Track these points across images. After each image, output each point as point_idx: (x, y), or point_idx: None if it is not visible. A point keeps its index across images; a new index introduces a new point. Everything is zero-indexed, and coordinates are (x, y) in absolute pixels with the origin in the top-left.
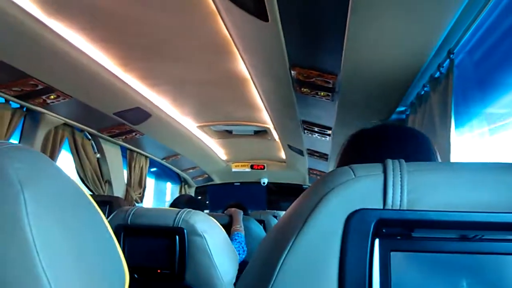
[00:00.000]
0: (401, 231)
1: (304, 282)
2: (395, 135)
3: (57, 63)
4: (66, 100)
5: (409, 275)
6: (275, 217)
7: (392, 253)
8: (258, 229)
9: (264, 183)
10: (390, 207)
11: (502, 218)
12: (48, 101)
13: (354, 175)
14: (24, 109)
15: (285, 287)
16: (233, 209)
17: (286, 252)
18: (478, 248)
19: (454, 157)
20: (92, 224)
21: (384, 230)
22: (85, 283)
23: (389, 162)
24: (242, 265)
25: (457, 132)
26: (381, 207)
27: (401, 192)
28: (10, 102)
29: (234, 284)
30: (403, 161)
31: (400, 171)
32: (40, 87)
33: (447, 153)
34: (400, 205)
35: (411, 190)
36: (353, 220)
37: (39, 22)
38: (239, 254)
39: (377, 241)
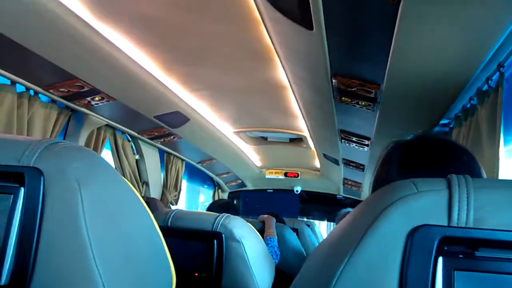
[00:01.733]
0: (464, 249)
1: None
2: (438, 148)
3: (103, 66)
4: (109, 102)
5: None
6: (308, 226)
7: (455, 272)
8: (292, 237)
9: (297, 191)
10: (455, 224)
11: None
12: (93, 102)
13: (417, 189)
14: (70, 109)
15: None
16: (265, 215)
17: (341, 269)
18: None
19: (502, 176)
20: (144, 227)
21: (446, 248)
22: (135, 284)
23: (454, 177)
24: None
25: (506, 149)
26: (445, 224)
27: (468, 209)
28: (57, 102)
29: None
30: (468, 176)
31: (467, 187)
32: (85, 88)
33: (495, 171)
34: (466, 223)
35: (478, 207)
36: (416, 236)
37: (88, 25)
38: (272, 258)
39: (440, 259)
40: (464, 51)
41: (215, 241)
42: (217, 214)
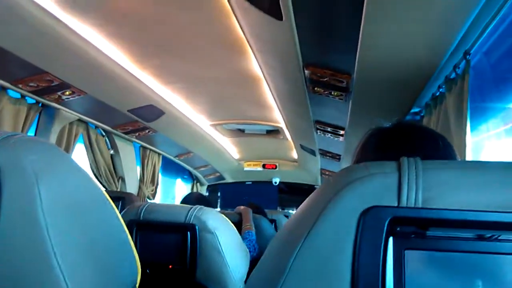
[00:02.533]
0: (415, 229)
1: (316, 278)
2: (414, 134)
3: (72, 59)
4: (81, 97)
5: (423, 274)
6: (287, 216)
7: (406, 252)
8: (269, 228)
9: (275, 182)
10: (405, 205)
11: None
12: (63, 97)
13: (369, 172)
14: (40, 104)
15: (297, 283)
16: (242, 207)
17: (298, 248)
18: (494, 248)
19: (470, 160)
20: (106, 219)
21: (398, 229)
22: (97, 276)
23: (405, 159)
24: (254, 263)
25: (473, 134)
26: (396, 205)
27: (416, 190)
28: (26, 97)
29: (245, 282)
30: (418, 158)
31: (416, 168)
32: (55, 83)
33: (462, 155)
34: (415, 203)
35: (426, 188)
36: (367, 217)
37: (56, 19)
38: (250, 252)
39: (391, 239)
40: (430, 38)
41: (189, 233)
42: (190, 206)
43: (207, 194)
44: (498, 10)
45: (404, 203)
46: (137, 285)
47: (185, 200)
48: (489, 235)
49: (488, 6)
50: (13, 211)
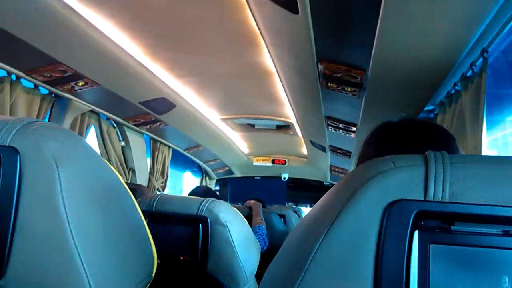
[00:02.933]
0: (440, 224)
1: (339, 270)
2: (414, 129)
3: (86, 50)
4: (93, 88)
5: (448, 269)
6: (296, 212)
7: (431, 246)
8: (279, 223)
9: (284, 178)
10: (431, 199)
11: None
12: (76, 87)
13: (394, 165)
14: (53, 95)
15: (317, 277)
16: (252, 201)
17: (320, 241)
18: None
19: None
20: (124, 207)
21: (423, 223)
22: (116, 265)
23: (431, 153)
24: (264, 257)
25: (489, 133)
26: (422, 199)
27: (443, 184)
28: (40, 87)
29: (256, 275)
30: (445, 152)
31: (443, 162)
32: (69, 73)
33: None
34: (441, 197)
35: (454, 182)
36: (392, 211)
37: (71, 9)
38: (260, 246)
39: (416, 233)
40: (448, 36)
41: (200, 225)
42: (202, 198)
43: (216, 188)
44: None
45: (430, 197)
46: (153, 275)
47: (193, 193)
48: None
49: (507, 4)
50: (34, 197)
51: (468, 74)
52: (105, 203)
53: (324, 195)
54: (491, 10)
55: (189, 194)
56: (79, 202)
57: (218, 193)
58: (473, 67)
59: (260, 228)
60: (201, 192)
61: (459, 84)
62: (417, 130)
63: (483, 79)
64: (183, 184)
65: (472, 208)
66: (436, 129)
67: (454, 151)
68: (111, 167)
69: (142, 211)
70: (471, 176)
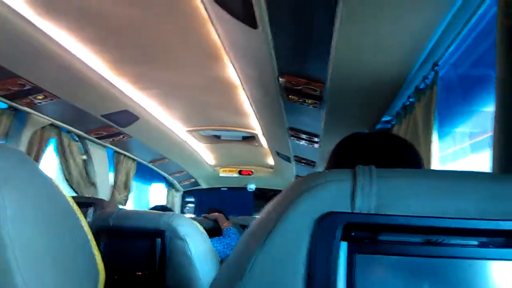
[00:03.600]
0: (369, 235)
1: (273, 282)
2: (387, 144)
3: (45, 63)
4: (53, 101)
5: (375, 278)
6: None
7: (358, 256)
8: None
9: (251, 189)
10: (358, 211)
11: (466, 224)
12: (36, 101)
13: (325, 179)
14: (12, 109)
15: (254, 286)
16: (216, 213)
17: (256, 253)
18: (442, 252)
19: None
20: (70, 226)
21: (353, 234)
22: (58, 282)
23: (360, 167)
24: None
25: (441, 144)
26: (349, 211)
27: (369, 197)
28: None
29: None
30: (373, 166)
31: (370, 176)
32: (27, 87)
33: (429, 164)
34: (368, 210)
35: (379, 195)
36: (322, 223)
37: (28, 21)
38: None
39: (344, 245)
40: (401, 50)
41: (158, 239)
42: (161, 212)
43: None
44: (465, 23)
45: (358, 209)
46: None
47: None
48: (436, 240)
49: (456, 19)
50: None
51: (421, 87)
52: (49, 222)
53: (265, 207)
54: (440, 25)
55: None
56: (22, 222)
57: (185, 205)
58: (426, 80)
59: (230, 229)
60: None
61: (413, 96)
62: (381, 143)
63: (434, 91)
64: (149, 197)
65: (395, 219)
66: (398, 142)
67: (413, 161)
68: (54, 182)
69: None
70: (396, 189)
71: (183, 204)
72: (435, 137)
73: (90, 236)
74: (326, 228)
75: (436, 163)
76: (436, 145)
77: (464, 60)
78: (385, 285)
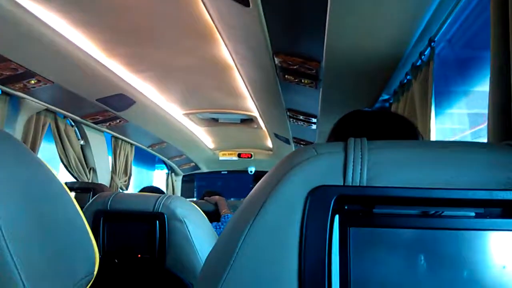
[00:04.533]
0: (362, 208)
1: (264, 259)
2: (385, 120)
3: (36, 47)
4: (47, 85)
5: (369, 251)
6: None
7: (351, 229)
8: None
9: (251, 171)
10: (350, 184)
11: (461, 195)
12: (29, 86)
13: (316, 152)
14: (6, 95)
15: (245, 265)
16: (217, 197)
17: (248, 229)
18: (438, 224)
19: None
20: (61, 209)
21: (346, 207)
22: (51, 262)
23: (351, 140)
24: None
25: (438, 120)
26: (342, 184)
27: (361, 169)
28: None
29: None
30: (364, 139)
31: (361, 148)
32: (20, 71)
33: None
34: (360, 182)
35: (371, 167)
36: (314, 197)
37: (18, 5)
38: None
39: (337, 217)
40: (396, 27)
41: (157, 221)
42: (159, 195)
43: (182, 184)
44: None
45: (349, 181)
46: (95, 273)
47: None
48: (433, 212)
49: None
50: None
51: (417, 64)
52: (37, 201)
53: (258, 183)
54: (435, 0)
55: None
56: (8, 201)
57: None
58: (422, 57)
59: (228, 217)
60: (147, 191)
61: (410, 73)
62: (380, 120)
63: (430, 67)
64: (153, 182)
65: (389, 191)
66: (398, 119)
67: (412, 138)
68: (44, 163)
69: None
70: (389, 160)
71: (183, 188)
72: (432, 114)
73: (83, 219)
74: (318, 201)
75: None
76: (433, 122)
77: (460, 35)
78: (380, 258)
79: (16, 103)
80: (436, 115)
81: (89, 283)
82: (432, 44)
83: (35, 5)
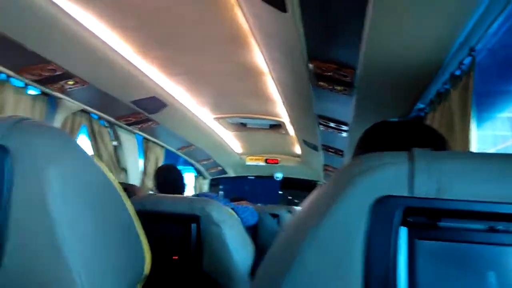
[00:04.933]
0: (427, 220)
1: (326, 270)
2: (413, 132)
3: (76, 49)
4: (84, 87)
5: (435, 265)
6: (290, 212)
7: (418, 242)
8: (272, 223)
9: (277, 177)
10: (417, 195)
11: None
12: (66, 86)
13: (380, 161)
14: (45, 94)
15: (304, 275)
16: (244, 201)
17: (307, 239)
18: (507, 240)
19: None
20: (115, 207)
21: (409, 219)
22: (107, 261)
23: (416, 149)
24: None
25: (478, 131)
26: (408, 195)
27: (429, 180)
28: (29, 87)
29: (251, 274)
30: (430, 149)
31: (428, 158)
32: (58, 72)
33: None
34: (427, 193)
35: (439, 178)
36: (379, 207)
37: (59, 8)
38: (248, 220)
39: (403, 229)
40: (436, 35)
41: (193, 224)
42: (195, 197)
43: (209, 187)
44: (503, 7)
45: (416, 193)
46: (146, 273)
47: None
48: (501, 227)
49: (493, 2)
50: (25, 195)
51: (456, 73)
52: (96, 201)
53: (313, 193)
54: (478, 9)
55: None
56: (69, 200)
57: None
58: (461, 66)
59: (246, 207)
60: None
61: (448, 82)
62: (410, 131)
63: (471, 77)
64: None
65: (458, 204)
66: (428, 131)
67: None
68: (102, 165)
69: (136, 211)
70: (456, 172)
71: (210, 191)
72: (473, 125)
73: (135, 218)
74: (384, 212)
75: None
76: (475, 132)
77: (502, 44)
78: (447, 272)
79: (54, 103)
80: (476, 126)
81: (142, 282)
82: (473, 53)
83: (77, 8)
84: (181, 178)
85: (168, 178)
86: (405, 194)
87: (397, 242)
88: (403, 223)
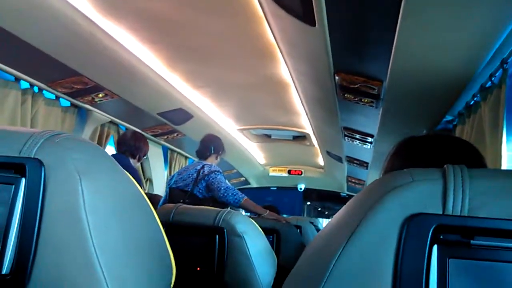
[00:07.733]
0: (459, 238)
1: (357, 284)
2: (446, 145)
3: (106, 63)
4: (113, 99)
5: (467, 284)
6: (312, 223)
7: (450, 260)
8: (295, 234)
9: (301, 188)
10: (450, 213)
11: None
12: (96, 99)
13: (412, 178)
14: (75, 106)
15: (336, 287)
16: (275, 214)
17: (338, 254)
18: None
19: None
20: (145, 220)
21: (441, 237)
22: (136, 276)
23: (450, 166)
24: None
25: (509, 145)
26: (440, 213)
27: (462, 198)
28: (61, 99)
29: (272, 287)
30: (464, 166)
31: (462, 176)
32: (89, 85)
33: (498, 166)
34: (460, 211)
35: (472, 196)
36: (411, 224)
37: (91, 22)
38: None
39: (435, 248)
40: (466, 48)
41: (217, 236)
42: (219, 209)
43: None
44: None
45: (449, 211)
46: (172, 286)
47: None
48: None
49: None
50: (57, 208)
51: (487, 85)
52: (126, 214)
53: (343, 208)
54: (510, 22)
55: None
56: (101, 213)
57: None
58: (492, 78)
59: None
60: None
61: (478, 95)
62: (444, 145)
63: (502, 90)
64: None
65: (491, 223)
66: (463, 146)
67: (477, 165)
68: (131, 178)
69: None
70: (490, 190)
71: None
72: (504, 138)
73: (162, 230)
74: (416, 229)
75: (506, 166)
76: (505, 146)
77: None
78: None
79: (84, 115)
80: (506, 140)
81: None
82: (505, 66)
83: (107, 21)
84: None
85: None
86: (438, 211)
87: (429, 260)
88: (436, 241)
